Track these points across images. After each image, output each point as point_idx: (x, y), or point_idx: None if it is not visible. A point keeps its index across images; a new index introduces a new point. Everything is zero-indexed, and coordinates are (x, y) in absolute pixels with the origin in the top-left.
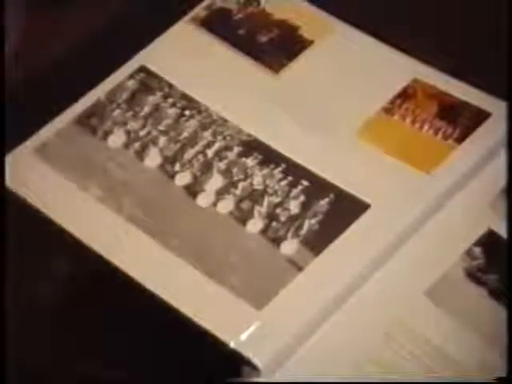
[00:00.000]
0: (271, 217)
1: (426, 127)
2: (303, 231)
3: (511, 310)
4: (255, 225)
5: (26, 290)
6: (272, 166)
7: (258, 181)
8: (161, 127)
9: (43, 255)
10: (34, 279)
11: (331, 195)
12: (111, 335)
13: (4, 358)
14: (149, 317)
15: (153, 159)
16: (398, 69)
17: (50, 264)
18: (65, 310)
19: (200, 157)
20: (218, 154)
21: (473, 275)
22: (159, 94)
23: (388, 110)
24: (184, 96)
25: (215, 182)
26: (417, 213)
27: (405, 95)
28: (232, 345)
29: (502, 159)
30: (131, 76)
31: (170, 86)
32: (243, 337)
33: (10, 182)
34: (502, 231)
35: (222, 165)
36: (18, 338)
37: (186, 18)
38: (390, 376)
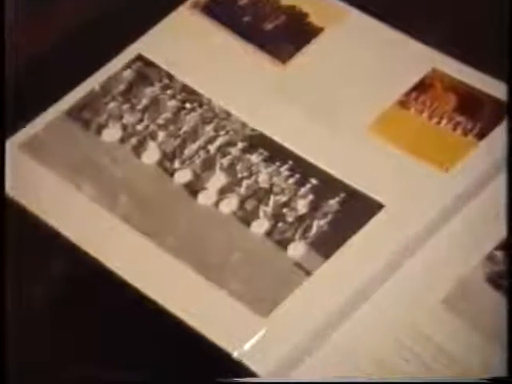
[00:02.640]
0: (277, 217)
1: (444, 122)
2: (312, 233)
3: (511, 310)
4: (260, 226)
5: (22, 293)
6: (278, 163)
7: (263, 178)
8: (159, 121)
9: (38, 257)
10: (29, 281)
11: (342, 194)
12: (108, 337)
13: (4, 360)
14: (146, 318)
15: (151, 155)
16: (414, 58)
17: (46, 266)
18: (61, 313)
19: (201, 153)
20: (221, 150)
21: (493, 281)
22: (158, 86)
23: (403, 104)
24: (184, 87)
25: (217, 179)
26: (434, 214)
27: (421, 87)
28: (235, 355)
29: None
30: (127, 66)
31: (170, 76)
32: (247, 346)
33: None
34: None
35: (225, 161)
36: (16, 339)
37: (187, 3)
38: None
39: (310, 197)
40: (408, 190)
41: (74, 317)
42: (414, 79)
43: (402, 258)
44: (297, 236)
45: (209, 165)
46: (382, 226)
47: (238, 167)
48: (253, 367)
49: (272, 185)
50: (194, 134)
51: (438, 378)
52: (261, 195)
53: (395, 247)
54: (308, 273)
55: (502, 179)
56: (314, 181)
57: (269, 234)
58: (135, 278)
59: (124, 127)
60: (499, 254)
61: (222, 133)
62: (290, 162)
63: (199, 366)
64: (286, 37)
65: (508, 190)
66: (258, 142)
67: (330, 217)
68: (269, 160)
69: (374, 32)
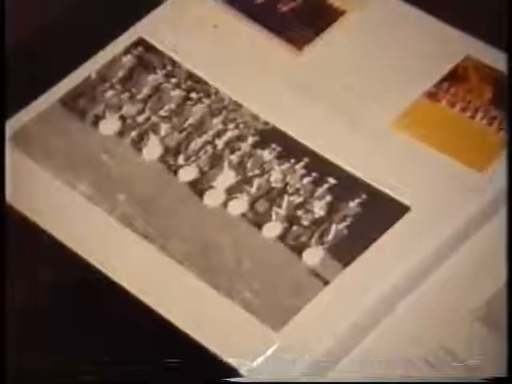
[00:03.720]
0: (291, 220)
1: (478, 116)
2: (329, 237)
3: (511, 310)
4: (272, 229)
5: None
6: (293, 160)
7: (276, 177)
8: (162, 112)
9: (28, 261)
10: (18, 287)
11: (363, 195)
12: (108, 345)
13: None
14: (147, 328)
15: (152, 150)
16: (445, 45)
17: (36, 271)
18: (52, 321)
19: (208, 148)
20: (230, 145)
21: None
22: (161, 73)
23: (433, 95)
24: (190, 75)
25: (226, 177)
26: (466, 218)
27: (454, 77)
28: (243, 371)
29: None
30: (127, 50)
31: (174, 63)
32: (257, 363)
33: None
34: None
35: (234, 158)
36: (9, 344)
37: None
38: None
39: (328, 198)
40: (437, 192)
41: (70, 323)
42: (446, 68)
43: (429, 267)
44: (313, 241)
45: (216, 161)
46: (408, 231)
47: (249, 164)
48: None
49: (286, 184)
50: (200, 128)
51: (438, 378)
52: (273, 195)
53: (422, 255)
54: (325, 282)
55: None
56: (332, 180)
57: (282, 238)
58: (135, 285)
59: (123, 119)
60: None
61: (232, 126)
62: (306, 159)
63: (201, 370)
64: (303, 20)
65: None
66: (270, 136)
67: (349, 220)
68: (282, 157)
69: (401, 16)
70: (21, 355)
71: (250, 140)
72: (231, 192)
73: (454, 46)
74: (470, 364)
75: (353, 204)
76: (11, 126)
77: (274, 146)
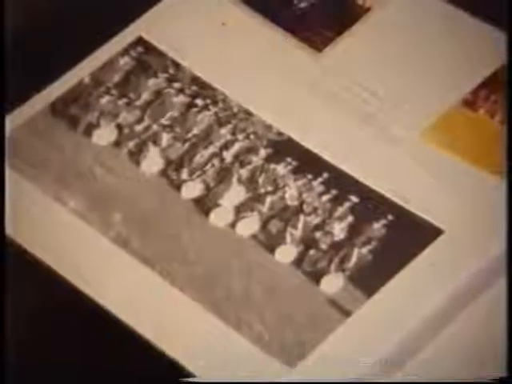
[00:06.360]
0: (308, 243)
1: None
2: (351, 263)
3: (511, 310)
4: (287, 253)
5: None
6: (310, 176)
7: (291, 194)
8: (164, 121)
9: (14, 284)
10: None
11: (389, 216)
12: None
13: None
14: (144, 363)
15: (152, 163)
16: (483, 47)
17: (23, 297)
18: (42, 350)
19: (215, 161)
20: (239, 158)
21: None
22: (162, 77)
23: (470, 103)
24: (195, 80)
25: (234, 194)
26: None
27: (493, 83)
28: None
29: None
30: (125, 51)
31: (177, 65)
32: None
33: None
34: None
35: (244, 172)
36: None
37: None
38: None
39: (350, 218)
40: (474, 213)
41: (58, 358)
42: (484, 73)
43: (464, 299)
44: (332, 267)
45: (224, 176)
46: (440, 257)
47: (260, 180)
48: None
49: (302, 202)
50: (206, 138)
51: (438, 378)
52: (288, 215)
53: (456, 284)
54: (346, 313)
55: None
56: (354, 198)
57: (297, 263)
58: (132, 316)
59: (119, 128)
60: None
61: (241, 137)
62: (325, 175)
63: None
64: (323, 18)
65: None
66: (285, 148)
67: (373, 244)
68: (298, 171)
69: (433, 13)
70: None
71: (262, 152)
72: (240, 211)
73: (493, 47)
74: None
75: (377, 225)
76: None
77: (288, 159)
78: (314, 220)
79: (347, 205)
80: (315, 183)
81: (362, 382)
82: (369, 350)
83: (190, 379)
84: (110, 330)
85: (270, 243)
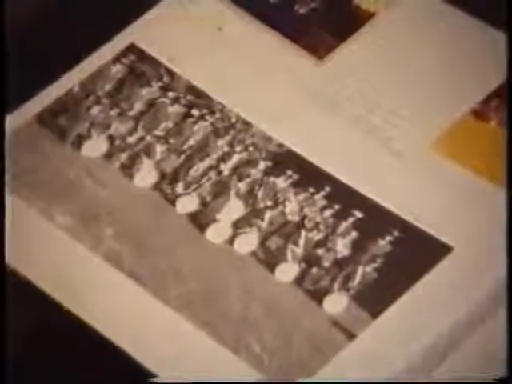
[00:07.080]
0: (310, 260)
1: None
2: (355, 282)
3: (510, 310)
4: (287, 271)
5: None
6: (312, 190)
7: (292, 209)
8: (158, 132)
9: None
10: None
11: (395, 232)
12: None
13: None
14: (131, 379)
15: (146, 176)
16: (494, 54)
17: (11, 317)
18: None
19: (212, 174)
20: (237, 171)
21: None
22: (156, 85)
23: (479, 114)
24: (190, 88)
25: (232, 209)
26: None
27: (504, 93)
28: None
29: None
30: (117, 58)
31: (171, 73)
32: None
33: None
34: None
35: (243, 186)
36: None
37: None
38: None
39: (353, 234)
40: (485, 230)
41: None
42: (495, 82)
43: (476, 321)
44: (335, 286)
45: (221, 190)
46: (449, 277)
47: (260, 194)
48: None
49: (303, 218)
50: (202, 150)
51: (438, 378)
52: (288, 231)
53: (466, 305)
54: (350, 335)
55: None
56: (358, 213)
57: (299, 282)
58: (123, 337)
59: (111, 139)
60: None
61: (239, 148)
62: (328, 189)
63: None
64: (325, 25)
65: None
66: (285, 161)
67: (379, 261)
68: (299, 185)
69: (441, 18)
70: None
71: (262, 165)
72: (239, 226)
73: (504, 55)
74: None
75: (383, 242)
76: None
77: (289, 172)
78: (316, 236)
79: (351, 220)
80: (317, 197)
81: (361, 382)
82: (373, 374)
83: None
84: (98, 348)
85: (270, 261)
